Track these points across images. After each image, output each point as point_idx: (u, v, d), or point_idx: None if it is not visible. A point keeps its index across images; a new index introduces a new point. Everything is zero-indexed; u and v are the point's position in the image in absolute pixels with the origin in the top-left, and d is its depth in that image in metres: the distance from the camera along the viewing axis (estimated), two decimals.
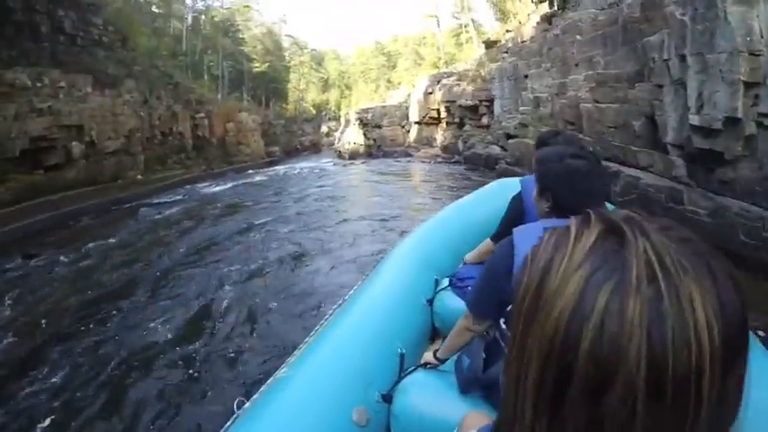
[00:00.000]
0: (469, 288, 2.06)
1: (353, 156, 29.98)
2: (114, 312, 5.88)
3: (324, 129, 49.02)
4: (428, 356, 1.80)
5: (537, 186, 1.49)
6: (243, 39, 42.71)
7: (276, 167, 27.75)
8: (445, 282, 2.60)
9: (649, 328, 0.34)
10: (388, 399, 1.75)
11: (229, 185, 19.07)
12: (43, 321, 5.77)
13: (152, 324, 5.44)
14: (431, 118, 24.99)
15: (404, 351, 1.96)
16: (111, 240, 10.15)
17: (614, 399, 0.35)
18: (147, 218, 12.20)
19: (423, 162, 21.96)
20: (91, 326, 5.51)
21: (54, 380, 4.33)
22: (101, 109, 16.73)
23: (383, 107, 32.84)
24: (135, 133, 19.02)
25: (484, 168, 16.90)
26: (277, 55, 49.67)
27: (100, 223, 12.37)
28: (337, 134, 36.37)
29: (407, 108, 28.55)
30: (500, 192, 3.11)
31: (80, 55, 17.91)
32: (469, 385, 1.58)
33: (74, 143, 15.26)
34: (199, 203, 14.86)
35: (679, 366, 0.34)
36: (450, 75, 24.81)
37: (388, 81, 53.39)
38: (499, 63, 17.85)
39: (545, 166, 1.47)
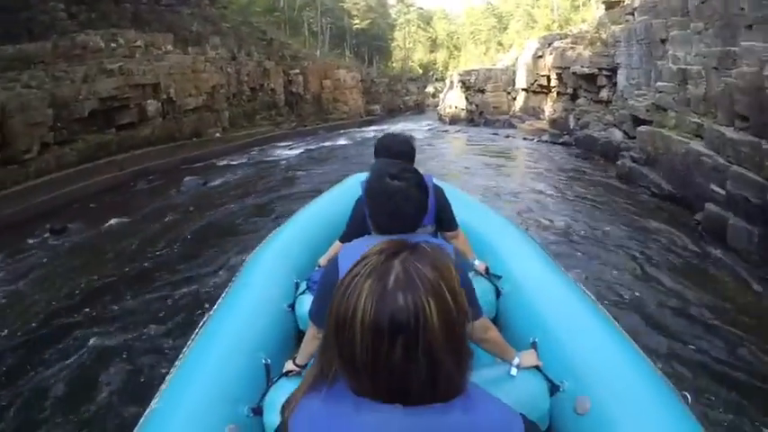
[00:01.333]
0: None
1: (454, 120, 26.58)
2: (86, 312, 4.81)
3: (430, 89, 45.34)
4: (289, 365, 1.76)
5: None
6: None
7: (370, 128, 25.10)
8: (304, 285, 2.36)
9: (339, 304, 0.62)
10: (258, 411, 1.66)
11: (303, 150, 16.97)
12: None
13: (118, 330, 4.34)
14: (539, 86, 20.54)
15: (268, 361, 1.84)
16: (142, 214, 8.82)
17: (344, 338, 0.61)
18: (189, 189, 10.62)
19: (526, 138, 17.31)
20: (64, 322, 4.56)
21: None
22: (180, 66, 15.37)
23: (488, 70, 28.39)
24: (219, 90, 17.63)
25: (600, 158, 11.89)
26: (380, 12, 46.36)
27: (151, 189, 11.14)
28: (441, 95, 32.83)
29: (514, 73, 24.23)
30: (357, 187, 2.46)
31: (163, 14, 16.51)
32: None
33: (149, 101, 14.08)
34: (257, 170, 13.04)
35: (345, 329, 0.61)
36: (563, 37, 20.28)
37: (499, 44, 48.24)
38: (624, 24, 13.52)
39: (368, 180, 1.46)
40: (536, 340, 1.81)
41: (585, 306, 1.98)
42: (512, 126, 21.68)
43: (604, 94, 14.57)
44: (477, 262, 2.34)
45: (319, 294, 1.45)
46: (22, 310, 5.01)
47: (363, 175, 3.10)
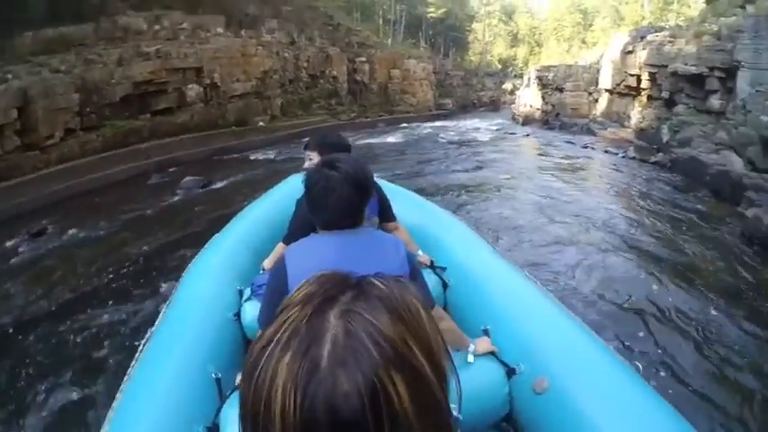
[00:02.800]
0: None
1: (527, 121, 23.11)
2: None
3: (508, 86, 41.62)
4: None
5: None
6: None
7: (435, 123, 22.38)
8: (248, 291, 2.14)
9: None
10: (213, 430, 1.47)
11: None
12: None
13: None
14: (627, 87, 16.46)
15: (219, 375, 1.65)
16: (126, 218, 7.60)
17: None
18: (185, 192, 9.02)
19: (608, 151, 13.18)
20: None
21: None
22: (227, 50, 13.87)
23: (568, 66, 24.46)
24: (271, 75, 16.00)
25: (710, 195, 7.80)
26: (458, 1, 42.77)
27: (162, 184, 9.65)
28: (518, 93, 29.48)
29: (598, 71, 20.21)
30: (298, 186, 2.10)
31: None
32: None
33: (189, 86, 12.75)
34: (282, 167, 10.73)
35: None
36: (658, 30, 16.38)
37: (583, 42, 44.20)
38: (751, 7, 9.90)
39: (307, 173, 1.32)
40: (488, 328, 1.75)
41: (532, 291, 1.93)
42: (591, 132, 17.82)
43: (715, 102, 10.54)
44: (420, 254, 2.18)
45: (267, 300, 1.27)
46: None
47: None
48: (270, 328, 0.38)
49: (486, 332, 1.71)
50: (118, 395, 1.58)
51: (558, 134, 18.33)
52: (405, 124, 21.58)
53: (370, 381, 0.34)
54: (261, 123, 14.83)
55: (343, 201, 1.17)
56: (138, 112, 11.58)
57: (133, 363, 1.75)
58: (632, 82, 15.84)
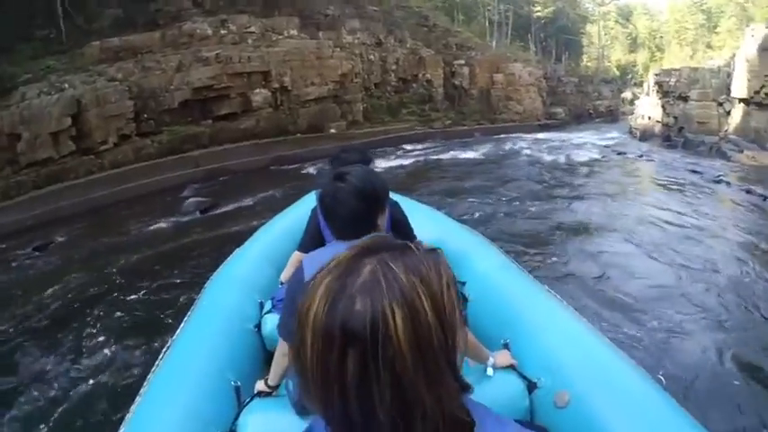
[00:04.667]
0: None
1: (645, 135, 18.18)
2: None
3: (627, 94, 36.14)
4: (260, 385, 1.52)
5: None
6: None
7: (535, 136, 18.03)
8: (269, 304, 2.10)
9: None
10: None
11: (408, 161, 11.69)
12: None
13: None
14: None
15: (238, 383, 1.62)
16: (124, 239, 6.61)
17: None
18: (185, 215, 7.42)
19: (749, 191, 8.26)
20: None
21: None
22: (298, 53, 12.30)
23: (693, 70, 18.78)
24: (351, 78, 14.12)
25: None
26: (569, 1, 37.44)
27: (187, 199, 8.19)
28: (636, 102, 24.32)
29: (729, 75, 14.94)
30: (313, 203, 2.53)
31: None
32: (302, 406, 1.37)
33: (256, 91, 11.35)
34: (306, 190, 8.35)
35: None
36: None
37: (708, 46, 37.20)
38: None
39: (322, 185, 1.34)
40: (508, 341, 1.68)
41: (553, 305, 1.84)
42: (722, 155, 12.81)
43: None
44: None
45: (286, 307, 1.26)
46: None
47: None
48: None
49: (506, 346, 1.65)
50: (137, 399, 1.54)
51: (681, 156, 13.45)
52: (503, 135, 18.06)
53: (376, 307, 0.44)
54: (332, 130, 13.01)
55: (351, 212, 1.17)
56: (201, 118, 10.63)
57: (153, 368, 1.70)
58: None
